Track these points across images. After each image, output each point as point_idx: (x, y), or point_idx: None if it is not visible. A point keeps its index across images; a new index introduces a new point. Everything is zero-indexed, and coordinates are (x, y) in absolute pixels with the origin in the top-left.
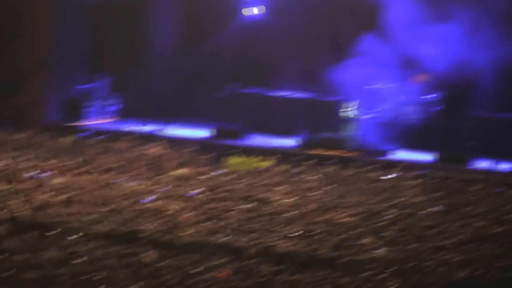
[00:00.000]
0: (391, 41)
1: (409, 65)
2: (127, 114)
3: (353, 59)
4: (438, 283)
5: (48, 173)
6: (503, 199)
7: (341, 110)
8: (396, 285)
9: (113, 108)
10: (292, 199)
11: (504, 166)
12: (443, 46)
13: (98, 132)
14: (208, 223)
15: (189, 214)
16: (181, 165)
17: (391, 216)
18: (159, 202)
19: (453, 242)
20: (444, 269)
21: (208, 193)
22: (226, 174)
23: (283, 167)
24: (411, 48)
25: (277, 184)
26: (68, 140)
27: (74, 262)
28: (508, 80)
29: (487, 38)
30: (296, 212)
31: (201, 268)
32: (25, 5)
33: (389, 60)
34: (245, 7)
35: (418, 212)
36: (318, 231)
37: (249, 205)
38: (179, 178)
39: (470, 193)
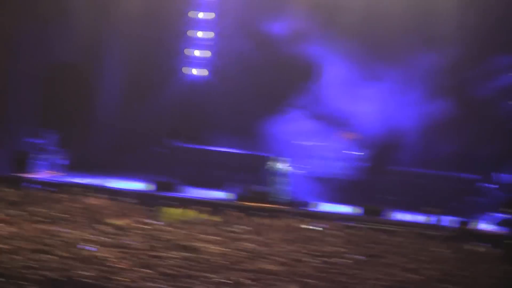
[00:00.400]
0: (323, 99)
1: (338, 123)
2: (71, 167)
3: (286, 116)
4: None
5: None
6: (420, 249)
7: (272, 164)
8: None
9: (59, 161)
10: (224, 249)
11: (423, 218)
12: (371, 104)
13: (43, 184)
14: (144, 270)
15: (126, 261)
16: (120, 216)
17: (315, 264)
18: (98, 251)
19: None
20: None
21: (144, 242)
22: (163, 225)
23: (217, 219)
24: (341, 106)
25: (210, 234)
26: (13, 191)
27: None
28: (430, 137)
29: (412, 97)
30: (226, 261)
31: None
32: None
33: (320, 118)
34: (185, 67)
35: (340, 261)
36: (246, 278)
37: (183, 254)
38: (118, 228)
39: (390, 243)
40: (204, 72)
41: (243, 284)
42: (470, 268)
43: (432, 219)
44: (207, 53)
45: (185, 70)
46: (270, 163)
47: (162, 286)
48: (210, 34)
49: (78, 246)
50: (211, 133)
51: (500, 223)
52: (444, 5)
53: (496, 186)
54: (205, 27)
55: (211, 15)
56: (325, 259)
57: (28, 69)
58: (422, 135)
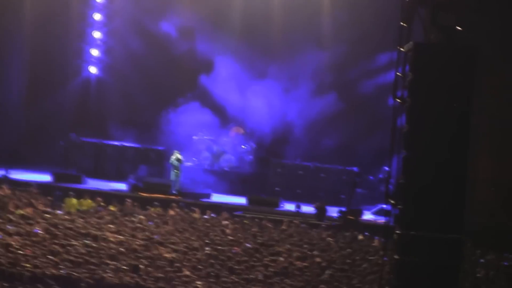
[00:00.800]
0: (214, 95)
1: (229, 118)
2: None
3: (179, 111)
4: None
5: None
6: (305, 238)
7: (167, 157)
8: None
9: None
10: (122, 237)
11: (307, 208)
12: (260, 100)
13: None
14: (49, 257)
15: (30, 249)
16: (23, 205)
17: (208, 252)
18: (4, 238)
19: (262, 275)
20: None
21: (48, 230)
22: (64, 214)
23: (115, 208)
24: (231, 102)
25: (109, 222)
26: None
27: None
28: (315, 132)
29: (299, 93)
30: (124, 248)
31: None
32: None
33: (212, 112)
34: (87, 65)
35: (231, 248)
36: (144, 265)
37: (85, 241)
38: (22, 217)
39: (277, 232)
40: (97, 70)
41: (140, 269)
42: (352, 255)
43: (317, 210)
44: (97, 52)
45: (82, 68)
46: (164, 156)
47: (65, 272)
48: (99, 34)
49: None
50: (108, 128)
51: (379, 212)
52: (329, 4)
53: (378, 178)
54: (98, 27)
55: (101, 15)
56: (217, 247)
57: None
58: (309, 129)
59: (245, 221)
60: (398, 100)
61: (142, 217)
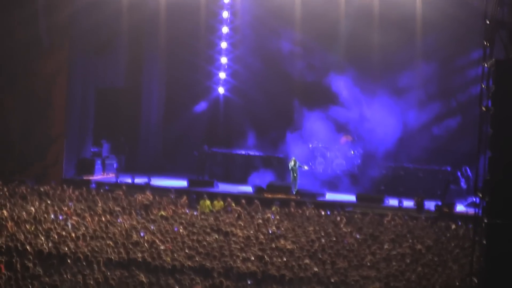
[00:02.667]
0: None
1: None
2: (124, 170)
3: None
4: None
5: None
6: (409, 228)
7: (287, 163)
8: None
9: (114, 165)
10: (250, 232)
11: (408, 203)
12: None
13: (102, 184)
14: (186, 251)
15: (170, 244)
16: (164, 208)
17: (323, 243)
18: (149, 236)
19: (369, 261)
20: (364, 282)
21: (185, 228)
22: (199, 214)
23: (243, 208)
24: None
25: (238, 220)
26: (80, 191)
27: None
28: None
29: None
30: (252, 241)
31: (181, 285)
32: (47, 88)
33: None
34: (216, 86)
35: (343, 240)
36: (269, 255)
37: (217, 236)
38: (163, 217)
39: (382, 224)
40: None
41: (267, 259)
42: (447, 242)
43: (416, 204)
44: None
45: (212, 89)
46: (287, 162)
47: (202, 262)
48: (225, 59)
49: (132, 233)
50: (237, 140)
51: (470, 205)
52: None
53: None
54: (225, 54)
55: (226, 44)
56: (331, 238)
57: (85, 93)
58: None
59: (356, 216)
60: (484, 109)
61: (269, 214)
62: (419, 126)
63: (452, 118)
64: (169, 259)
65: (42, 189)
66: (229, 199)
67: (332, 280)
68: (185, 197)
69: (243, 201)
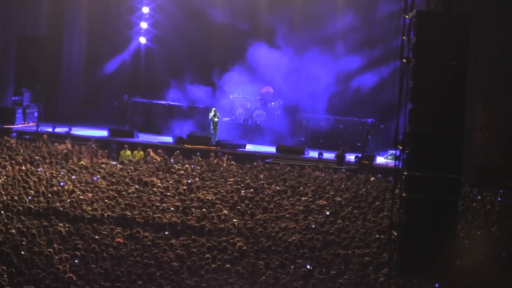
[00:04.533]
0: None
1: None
2: (44, 119)
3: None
4: (278, 244)
5: None
6: (328, 179)
7: (208, 113)
8: (246, 247)
9: (35, 114)
10: (169, 182)
11: (328, 155)
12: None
13: (23, 133)
14: (106, 201)
15: (90, 194)
16: (84, 158)
17: (242, 194)
18: (68, 186)
19: (289, 213)
20: (283, 234)
21: (104, 178)
22: (118, 164)
23: (162, 158)
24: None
25: (157, 171)
26: (0, 139)
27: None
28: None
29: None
30: (171, 191)
31: (101, 235)
32: None
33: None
34: (137, 36)
35: (263, 191)
36: (189, 206)
37: (136, 187)
38: (83, 167)
39: (302, 176)
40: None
41: (187, 209)
42: (367, 195)
43: (337, 156)
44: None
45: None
46: (206, 112)
47: (124, 212)
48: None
49: (52, 182)
50: (156, 89)
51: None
52: None
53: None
54: (147, 3)
55: None
56: (250, 190)
57: (6, 41)
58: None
59: (276, 167)
60: (405, 60)
61: (187, 165)
62: (341, 78)
63: (373, 70)
64: (89, 208)
65: None
66: (149, 149)
67: (251, 231)
68: (105, 147)
69: (163, 151)
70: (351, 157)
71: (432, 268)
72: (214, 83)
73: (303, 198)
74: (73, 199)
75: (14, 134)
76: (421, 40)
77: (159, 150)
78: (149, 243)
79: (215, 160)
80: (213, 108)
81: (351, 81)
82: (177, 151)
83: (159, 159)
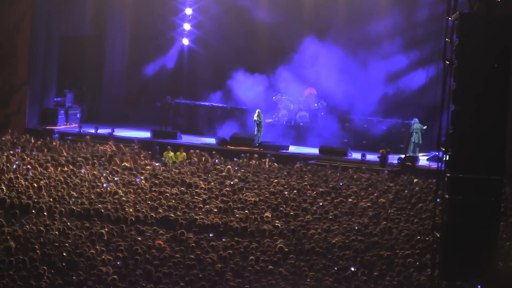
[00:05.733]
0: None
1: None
2: (87, 120)
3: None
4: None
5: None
6: (372, 181)
7: (251, 115)
8: (288, 249)
9: (78, 116)
10: (212, 183)
11: (371, 156)
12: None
13: (65, 134)
14: (148, 202)
15: (133, 195)
16: (126, 159)
17: (286, 195)
18: (110, 187)
19: (332, 215)
20: (324, 236)
21: (147, 179)
22: (162, 165)
23: (206, 159)
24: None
25: (201, 172)
26: (43, 141)
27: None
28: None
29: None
30: (215, 193)
31: (143, 236)
32: (11, 36)
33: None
34: (180, 37)
35: (306, 193)
36: (231, 208)
37: (180, 188)
38: (125, 168)
39: (345, 177)
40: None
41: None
42: (410, 196)
43: (380, 157)
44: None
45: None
46: (251, 114)
47: (167, 214)
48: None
49: (95, 183)
50: (199, 91)
51: (432, 158)
52: None
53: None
54: (190, 5)
55: None
56: (292, 191)
57: (49, 41)
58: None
59: (319, 169)
60: (447, 62)
61: (228, 167)
62: (385, 79)
63: (417, 71)
64: (131, 210)
65: (3, 138)
66: (191, 151)
67: (294, 233)
68: (148, 148)
69: (206, 152)
70: (394, 159)
71: (474, 270)
72: (257, 84)
73: (347, 200)
74: (116, 201)
75: (56, 135)
76: (464, 42)
77: (202, 152)
78: (193, 244)
79: (259, 161)
80: (257, 110)
81: (395, 83)
82: (214, 151)
83: (202, 161)
